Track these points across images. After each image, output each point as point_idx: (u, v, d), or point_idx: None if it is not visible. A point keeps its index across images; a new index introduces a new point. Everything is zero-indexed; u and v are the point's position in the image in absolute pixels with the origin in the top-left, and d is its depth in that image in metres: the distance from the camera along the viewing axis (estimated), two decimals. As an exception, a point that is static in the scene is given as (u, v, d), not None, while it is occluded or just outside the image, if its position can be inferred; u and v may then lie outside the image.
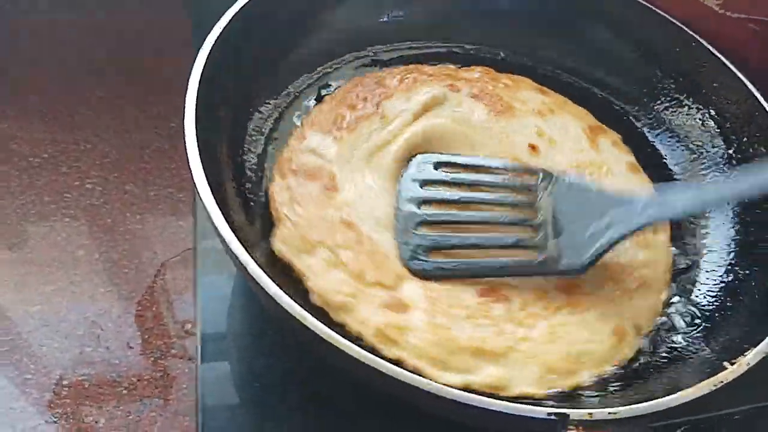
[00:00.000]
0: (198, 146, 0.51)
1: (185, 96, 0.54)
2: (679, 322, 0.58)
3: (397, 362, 0.48)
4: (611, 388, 0.52)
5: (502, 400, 0.46)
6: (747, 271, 0.60)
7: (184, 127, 0.52)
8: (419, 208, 0.58)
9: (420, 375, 0.46)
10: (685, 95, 0.73)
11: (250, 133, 0.64)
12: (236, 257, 0.46)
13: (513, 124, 0.67)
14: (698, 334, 0.56)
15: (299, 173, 0.59)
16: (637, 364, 0.54)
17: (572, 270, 0.54)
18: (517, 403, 0.43)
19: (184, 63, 0.57)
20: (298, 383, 0.57)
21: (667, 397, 0.44)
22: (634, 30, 0.77)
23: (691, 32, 0.73)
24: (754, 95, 0.67)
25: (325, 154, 0.61)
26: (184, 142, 0.51)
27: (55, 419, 0.71)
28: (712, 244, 0.63)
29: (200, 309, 0.60)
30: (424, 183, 0.60)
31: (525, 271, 0.55)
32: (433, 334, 0.51)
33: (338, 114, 0.64)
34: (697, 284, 0.61)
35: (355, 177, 0.60)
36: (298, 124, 0.66)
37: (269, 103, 0.67)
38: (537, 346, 0.52)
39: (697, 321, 0.57)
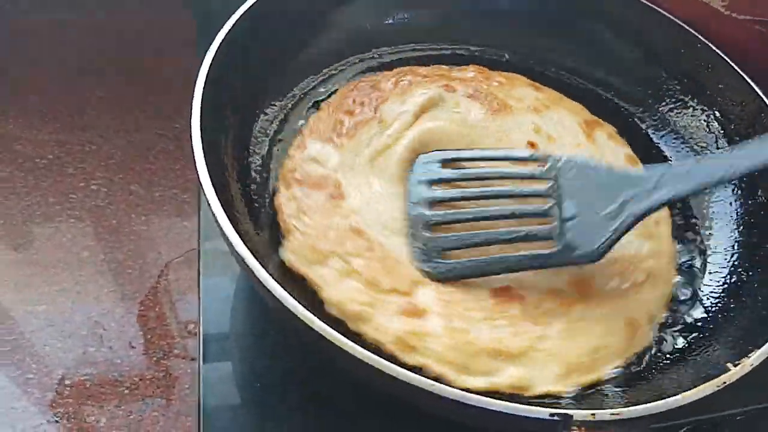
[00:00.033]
0: (203, 148, 0.51)
1: (188, 96, 0.54)
2: (682, 324, 0.58)
3: (419, 369, 0.49)
4: (620, 388, 0.52)
5: (526, 400, 0.48)
6: (750, 273, 0.60)
7: (188, 128, 0.52)
8: (428, 209, 0.58)
9: (442, 381, 0.47)
10: (689, 96, 0.73)
11: (256, 135, 0.64)
12: (240, 258, 0.46)
13: (510, 122, 0.67)
14: (701, 335, 0.56)
15: (304, 183, 0.59)
16: (641, 365, 0.54)
17: (589, 257, 0.53)
18: (532, 404, 0.42)
19: (185, 63, 0.57)
20: (300, 383, 0.56)
21: (670, 398, 0.43)
22: (639, 31, 0.77)
23: (696, 33, 0.72)
24: (759, 96, 0.66)
25: (327, 162, 0.61)
26: (189, 143, 0.51)
27: (56, 419, 0.71)
28: (716, 245, 0.63)
29: (203, 309, 0.60)
30: (432, 183, 0.60)
31: (541, 264, 0.54)
32: (451, 338, 0.51)
33: (337, 120, 0.64)
34: (700, 286, 0.61)
35: (360, 183, 0.60)
36: (302, 125, 0.66)
37: (274, 105, 0.67)
38: (556, 344, 0.52)
39: (700, 322, 0.57)
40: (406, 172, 0.62)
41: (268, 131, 0.65)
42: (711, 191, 0.66)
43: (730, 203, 0.65)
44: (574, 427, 0.41)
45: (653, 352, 0.55)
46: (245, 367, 0.58)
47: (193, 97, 0.54)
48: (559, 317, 0.54)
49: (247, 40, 0.63)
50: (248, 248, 0.47)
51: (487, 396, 0.44)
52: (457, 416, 0.44)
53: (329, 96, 0.69)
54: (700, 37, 0.72)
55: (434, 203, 0.58)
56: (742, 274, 0.60)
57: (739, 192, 0.65)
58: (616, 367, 0.53)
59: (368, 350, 0.43)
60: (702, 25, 0.73)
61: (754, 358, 0.47)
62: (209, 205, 0.48)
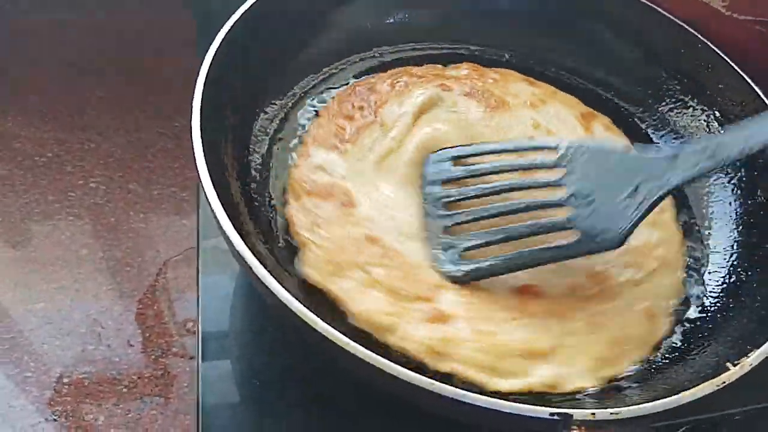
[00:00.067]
0: (203, 146, 0.51)
1: (188, 96, 0.54)
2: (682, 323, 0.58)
3: (450, 375, 0.49)
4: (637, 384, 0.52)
5: (559, 397, 0.49)
6: (749, 273, 0.60)
7: (188, 127, 0.52)
8: (444, 210, 0.58)
9: (474, 385, 0.48)
10: (690, 96, 0.73)
11: (256, 134, 0.64)
12: (240, 256, 0.46)
13: (509, 119, 0.68)
14: (700, 335, 0.56)
15: (313, 194, 0.58)
16: (661, 355, 0.55)
17: (610, 244, 0.52)
18: (534, 404, 0.42)
19: (185, 63, 0.57)
20: (299, 381, 0.56)
21: (670, 398, 0.43)
22: (639, 31, 0.77)
23: (696, 33, 0.73)
24: (759, 97, 0.66)
25: (334, 171, 0.60)
26: (189, 142, 0.51)
27: (55, 417, 0.71)
28: (715, 245, 0.63)
29: (202, 308, 0.60)
30: (445, 183, 0.59)
31: (563, 254, 0.53)
32: (480, 341, 0.51)
33: (337, 126, 0.64)
34: (700, 285, 0.61)
35: (369, 189, 0.60)
36: (303, 123, 0.66)
37: (275, 104, 0.67)
38: (581, 339, 0.52)
39: (699, 322, 0.57)
40: (414, 173, 0.61)
41: (268, 130, 0.65)
42: (711, 193, 0.66)
43: (730, 203, 0.65)
44: (575, 427, 0.41)
45: (672, 341, 0.56)
46: (244, 365, 0.58)
47: (192, 96, 0.54)
48: (581, 312, 0.54)
49: (247, 39, 0.63)
50: (247, 246, 0.46)
51: (520, 396, 0.46)
52: (458, 415, 0.44)
53: (323, 92, 0.69)
54: (700, 37, 0.72)
55: (450, 203, 0.58)
56: (742, 274, 0.60)
57: (739, 192, 0.65)
58: (638, 359, 0.53)
59: (396, 360, 0.43)
60: (702, 25, 0.73)
61: (754, 358, 0.47)
62: (209, 203, 0.48)
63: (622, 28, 0.78)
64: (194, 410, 0.56)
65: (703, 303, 0.59)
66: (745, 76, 0.68)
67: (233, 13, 0.62)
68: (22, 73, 0.99)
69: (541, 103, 0.71)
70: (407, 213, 0.58)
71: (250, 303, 0.61)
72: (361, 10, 0.76)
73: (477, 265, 0.54)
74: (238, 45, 0.61)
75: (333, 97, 0.69)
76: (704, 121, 0.71)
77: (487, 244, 0.55)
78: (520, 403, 0.42)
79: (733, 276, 0.60)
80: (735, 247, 0.62)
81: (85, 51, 1.02)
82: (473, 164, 0.60)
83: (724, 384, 0.45)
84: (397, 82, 0.69)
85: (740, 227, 0.63)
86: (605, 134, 0.69)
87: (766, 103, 0.66)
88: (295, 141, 0.64)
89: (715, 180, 0.67)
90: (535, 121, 0.68)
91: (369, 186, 0.60)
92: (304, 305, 0.44)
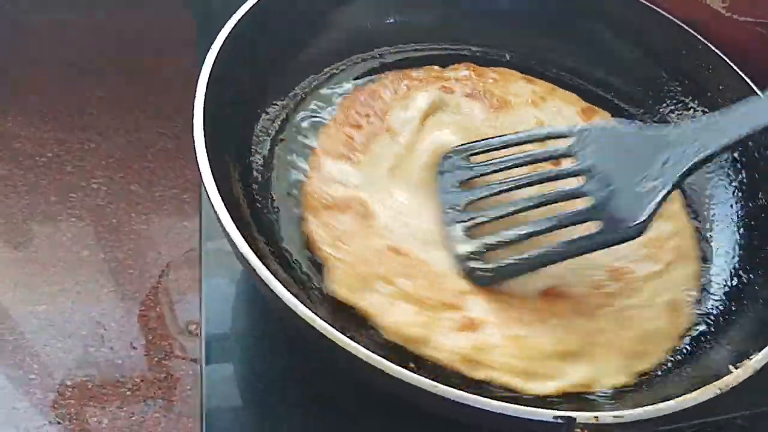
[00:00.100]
0: (206, 147, 0.51)
1: (188, 96, 0.54)
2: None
3: (487, 383, 0.49)
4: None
5: (593, 396, 0.49)
6: (751, 276, 0.60)
7: (188, 128, 0.52)
8: (464, 213, 0.57)
9: (512, 391, 0.48)
10: (690, 98, 0.73)
11: (257, 134, 0.64)
12: (243, 257, 0.46)
13: (513, 119, 0.68)
14: (703, 338, 0.56)
15: (331, 207, 0.58)
16: (688, 345, 0.56)
17: (634, 232, 0.50)
18: (527, 405, 0.42)
19: (185, 63, 0.57)
20: (302, 384, 0.56)
21: (673, 401, 0.43)
22: (640, 32, 0.77)
23: (697, 35, 0.73)
24: (760, 97, 0.66)
25: (348, 181, 0.60)
26: (189, 143, 0.51)
27: (58, 420, 0.71)
28: (717, 248, 0.63)
29: (205, 311, 0.60)
30: (461, 184, 0.59)
31: (587, 247, 0.52)
32: (513, 346, 0.51)
33: (346, 136, 0.64)
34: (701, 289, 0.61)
35: (385, 198, 0.59)
36: (304, 125, 0.66)
37: (276, 104, 0.67)
38: (610, 336, 0.53)
39: (702, 326, 0.57)
40: (428, 177, 0.61)
41: (269, 131, 0.65)
42: (712, 196, 0.67)
43: (731, 205, 0.66)
44: (577, 430, 0.41)
45: (698, 330, 0.57)
46: (248, 368, 0.58)
47: (193, 96, 0.54)
48: (607, 309, 0.54)
49: (248, 39, 0.63)
50: (251, 248, 0.47)
51: (557, 398, 0.47)
52: (461, 418, 0.44)
53: (324, 93, 0.69)
54: (700, 38, 0.72)
55: (468, 206, 0.57)
56: (743, 277, 0.60)
57: (740, 194, 0.66)
58: (667, 350, 0.54)
59: (430, 371, 0.44)
60: (703, 26, 0.73)
61: (756, 361, 0.47)
62: (212, 204, 0.48)
63: (622, 28, 0.78)
64: (198, 413, 0.56)
65: (705, 306, 0.59)
66: (746, 78, 0.68)
67: (233, 12, 0.62)
68: (22, 73, 0.99)
69: (541, 100, 0.71)
70: (425, 220, 0.58)
71: (253, 305, 0.62)
72: (361, 11, 0.76)
73: (501, 265, 0.54)
74: (240, 45, 0.61)
75: (338, 106, 0.68)
76: (705, 122, 0.71)
77: (509, 243, 0.54)
78: (556, 406, 0.43)
79: (735, 279, 0.60)
80: (737, 250, 0.62)
81: (85, 51, 1.02)
82: (487, 161, 0.60)
83: (728, 387, 0.45)
84: (399, 86, 0.69)
85: (742, 230, 0.63)
86: None
87: (766, 105, 0.66)
88: (297, 144, 0.64)
89: (716, 183, 0.67)
90: (538, 119, 0.68)
91: (384, 194, 0.60)
92: (331, 324, 0.44)
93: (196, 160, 0.50)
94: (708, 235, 0.65)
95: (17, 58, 1.00)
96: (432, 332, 0.51)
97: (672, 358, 0.54)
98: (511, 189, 0.57)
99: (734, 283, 0.60)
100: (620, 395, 0.51)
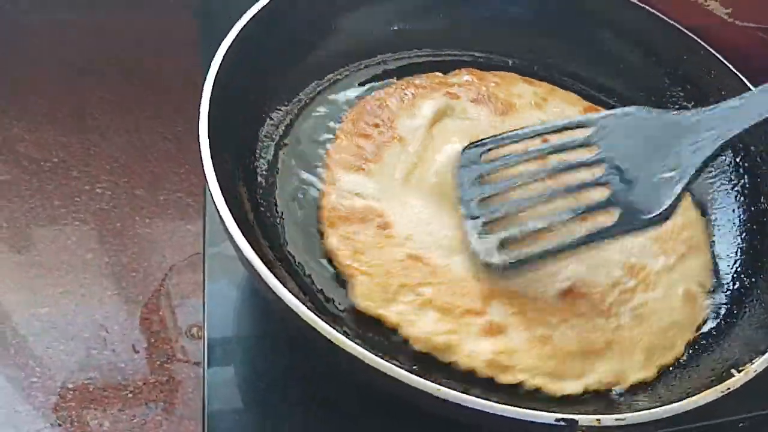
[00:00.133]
0: (211, 152, 0.51)
1: (189, 98, 0.55)
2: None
3: (517, 386, 0.50)
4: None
5: (618, 393, 0.51)
6: (753, 279, 0.60)
7: (190, 131, 0.53)
8: (482, 207, 0.57)
9: (541, 392, 0.50)
10: (693, 103, 0.73)
11: (261, 139, 0.64)
12: (247, 261, 0.46)
13: (518, 121, 0.68)
14: (705, 341, 0.56)
15: (349, 220, 0.58)
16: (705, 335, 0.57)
17: (656, 220, 0.50)
18: (528, 409, 0.42)
19: (185, 63, 0.57)
20: (304, 386, 0.57)
21: (675, 404, 0.44)
22: (642, 38, 0.77)
23: (699, 40, 0.73)
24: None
25: (364, 193, 0.60)
26: (191, 146, 0.52)
27: (60, 422, 0.70)
28: (719, 252, 0.64)
29: (208, 314, 0.61)
30: (480, 178, 0.59)
31: (607, 235, 0.52)
32: (539, 348, 0.52)
33: (357, 147, 0.64)
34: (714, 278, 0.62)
35: (401, 207, 0.60)
36: (307, 125, 0.66)
37: (280, 110, 0.67)
38: (631, 333, 0.54)
39: (704, 329, 0.57)
40: (443, 182, 0.61)
41: (273, 136, 0.65)
42: (715, 200, 0.67)
43: (733, 210, 0.66)
44: (580, 432, 0.41)
45: (714, 320, 0.58)
46: (249, 371, 0.58)
47: (194, 97, 0.54)
48: (625, 305, 0.56)
49: (253, 44, 0.63)
50: (255, 251, 0.47)
51: (584, 396, 0.49)
52: (462, 420, 0.44)
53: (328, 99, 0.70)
54: (702, 43, 0.73)
55: (486, 198, 0.57)
56: (746, 281, 0.60)
57: (742, 199, 0.66)
58: (686, 341, 0.55)
59: (461, 378, 0.46)
60: (705, 31, 0.73)
61: (758, 364, 0.47)
62: (216, 208, 0.49)
63: (624, 34, 0.79)
64: (199, 416, 0.56)
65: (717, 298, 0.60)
66: (748, 83, 0.68)
67: (235, 14, 0.63)
68: (23, 74, 0.99)
69: (543, 101, 0.72)
70: (443, 226, 0.58)
71: (255, 308, 0.62)
72: (365, 17, 0.76)
73: (520, 257, 0.54)
74: (245, 50, 0.61)
75: (345, 116, 0.68)
76: (707, 127, 0.71)
77: (529, 234, 0.54)
78: (581, 405, 0.45)
79: (737, 283, 0.60)
80: (739, 254, 0.63)
81: (85, 51, 1.01)
82: (505, 154, 0.60)
83: (729, 390, 0.45)
84: (404, 94, 0.69)
85: (744, 234, 0.64)
86: None
87: None
88: (301, 147, 0.65)
89: (718, 187, 0.67)
90: (542, 121, 0.69)
91: (400, 203, 0.60)
92: (354, 339, 0.44)
93: (201, 165, 0.51)
94: (710, 239, 0.65)
95: (17, 59, 1.00)
96: (459, 339, 0.52)
97: (689, 351, 0.56)
98: (529, 182, 0.57)
99: (736, 286, 0.60)
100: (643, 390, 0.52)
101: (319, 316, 0.44)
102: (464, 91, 0.71)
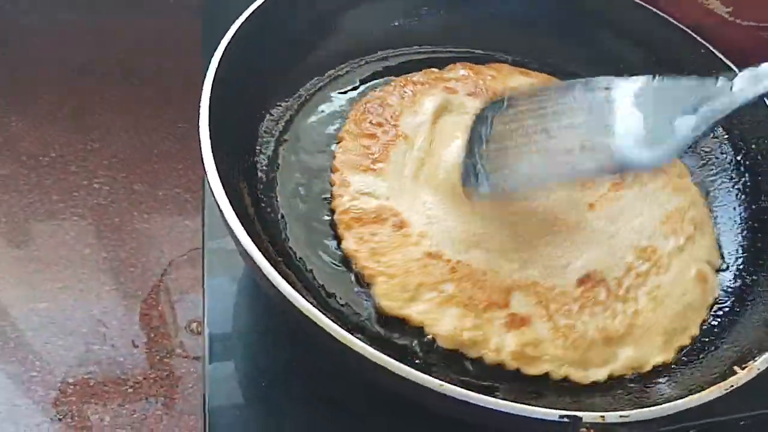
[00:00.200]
0: (211, 147, 0.51)
1: (191, 96, 0.55)
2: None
3: (544, 376, 0.51)
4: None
5: (642, 377, 0.52)
6: (755, 277, 0.60)
7: (192, 128, 0.52)
8: (484, 143, 0.57)
9: (568, 381, 0.50)
10: (694, 102, 0.73)
11: (261, 135, 0.64)
12: (248, 255, 0.46)
13: None
14: (707, 339, 0.56)
15: (364, 221, 0.58)
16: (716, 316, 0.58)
17: (651, 162, 0.51)
18: (531, 405, 0.42)
19: (188, 63, 0.57)
20: (305, 381, 0.57)
21: (678, 401, 0.44)
22: (644, 36, 0.77)
23: (700, 39, 0.73)
24: (763, 102, 0.66)
25: (375, 192, 0.60)
26: (192, 143, 0.51)
27: (59, 417, 0.70)
28: (721, 250, 0.64)
29: (208, 309, 0.60)
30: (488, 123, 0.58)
31: (596, 170, 0.53)
32: (562, 338, 0.52)
33: (363, 147, 0.64)
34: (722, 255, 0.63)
35: (414, 204, 0.59)
36: (307, 122, 0.66)
37: (280, 106, 0.67)
38: (649, 316, 0.55)
39: (706, 326, 0.57)
40: (452, 177, 0.60)
41: (273, 132, 0.65)
42: (716, 198, 0.67)
43: (734, 208, 0.66)
44: (583, 429, 0.41)
45: (724, 294, 0.59)
46: (250, 366, 0.58)
47: (195, 97, 0.54)
48: (641, 289, 0.57)
49: (253, 40, 0.63)
50: (255, 245, 0.47)
51: (607, 383, 0.50)
52: (467, 417, 0.44)
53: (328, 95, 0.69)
54: (704, 42, 0.73)
55: (488, 142, 0.57)
56: (747, 278, 0.60)
57: (743, 197, 0.66)
58: (700, 321, 0.57)
59: (487, 373, 0.46)
60: (706, 30, 0.73)
61: (761, 362, 0.47)
62: (217, 203, 0.48)
63: (625, 33, 0.78)
64: (200, 411, 0.56)
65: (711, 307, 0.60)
66: (749, 82, 0.68)
67: (238, 12, 0.63)
68: (23, 73, 0.99)
69: None
70: (457, 221, 0.58)
71: (255, 303, 0.62)
72: (366, 14, 0.76)
73: (507, 178, 0.54)
74: (245, 46, 0.61)
75: (348, 116, 0.68)
76: (709, 126, 0.71)
77: (522, 155, 0.54)
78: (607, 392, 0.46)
79: (739, 280, 0.60)
80: (741, 252, 0.63)
81: (88, 51, 1.02)
82: (525, 106, 0.58)
83: (732, 388, 0.45)
84: (404, 92, 0.69)
85: (745, 232, 0.64)
86: None
87: (769, 109, 0.66)
88: (301, 144, 0.64)
89: (719, 185, 0.67)
90: None
91: (413, 200, 0.60)
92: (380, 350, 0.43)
93: (202, 160, 0.50)
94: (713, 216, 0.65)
95: (20, 59, 1.00)
96: (484, 333, 0.52)
97: (704, 330, 0.57)
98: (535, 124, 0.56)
99: (738, 284, 0.60)
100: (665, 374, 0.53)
101: (320, 311, 0.44)
102: (461, 86, 0.71)
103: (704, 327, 0.57)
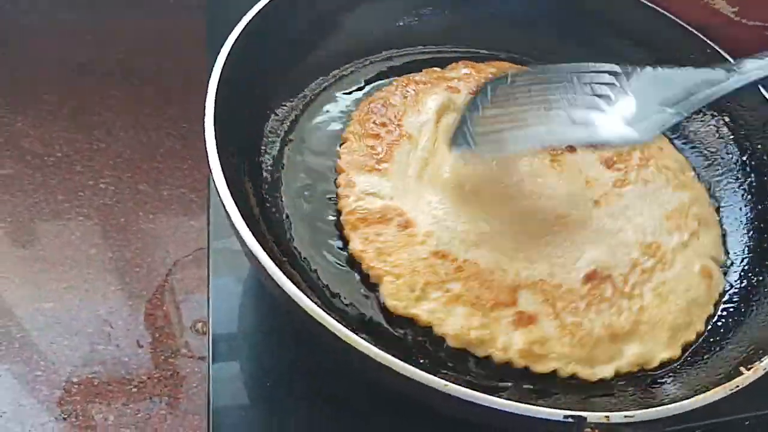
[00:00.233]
0: (216, 147, 0.51)
1: (194, 96, 0.55)
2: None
3: (552, 374, 0.51)
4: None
5: (648, 374, 0.52)
6: (761, 278, 0.60)
7: (195, 128, 0.53)
8: (482, 103, 0.57)
9: (576, 379, 0.50)
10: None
11: (266, 135, 0.64)
12: (253, 255, 0.46)
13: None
14: (713, 339, 0.56)
15: (369, 222, 0.58)
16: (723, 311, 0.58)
17: (635, 136, 0.52)
18: (533, 406, 0.42)
19: (190, 62, 0.57)
20: (310, 381, 0.57)
21: (683, 402, 0.44)
22: (648, 36, 0.77)
23: (706, 39, 0.73)
24: (768, 102, 0.67)
25: (381, 193, 0.60)
26: (196, 143, 0.52)
27: (64, 416, 0.71)
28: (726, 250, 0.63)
29: (213, 309, 0.60)
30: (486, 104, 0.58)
31: (591, 137, 0.53)
32: (570, 335, 0.53)
33: (367, 148, 0.64)
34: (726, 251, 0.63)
35: (419, 203, 0.60)
36: (312, 122, 0.66)
37: (285, 105, 0.67)
38: (654, 312, 0.55)
39: (711, 326, 0.57)
40: (456, 174, 0.61)
41: (278, 131, 0.65)
42: (721, 198, 0.67)
43: (740, 208, 0.66)
44: (588, 429, 0.41)
45: (729, 294, 0.59)
46: (255, 366, 0.58)
47: (200, 96, 0.54)
48: (646, 286, 0.57)
49: (258, 40, 0.63)
50: (260, 245, 0.47)
51: (614, 379, 0.50)
52: (471, 417, 0.44)
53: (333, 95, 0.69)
54: (710, 42, 0.72)
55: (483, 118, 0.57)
56: (753, 279, 0.60)
57: (749, 197, 0.66)
58: (706, 317, 0.57)
59: (494, 371, 0.46)
60: (712, 30, 0.73)
61: (767, 363, 0.47)
62: (222, 203, 0.48)
63: (625, 33, 0.78)
64: (204, 411, 0.56)
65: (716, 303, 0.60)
66: (755, 82, 0.68)
67: (241, 11, 0.63)
68: (24, 73, 0.99)
69: None
70: (462, 219, 0.58)
71: (260, 303, 0.62)
72: (370, 14, 0.76)
73: (497, 138, 0.54)
74: (250, 46, 0.61)
75: (352, 117, 0.68)
76: (713, 126, 0.71)
77: (503, 119, 0.55)
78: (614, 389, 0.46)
79: (745, 281, 0.60)
80: (746, 252, 0.62)
81: (88, 51, 1.02)
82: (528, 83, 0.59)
83: (738, 388, 0.45)
84: (406, 92, 0.69)
85: (751, 232, 0.64)
86: None
87: (776, 109, 0.66)
88: (306, 145, 0.64)
89: (725, 186, 0.67)
90: None
91: (417, 200, 0.60)
92: (386, 350, 0.43)
93: (207, 159, 0.50)
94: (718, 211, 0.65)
95: (23, 58, 1.00)
96: (491, 331, 0.52)
97: (709, 327, 0.57)
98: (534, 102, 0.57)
99: (744, 284, 0.60)
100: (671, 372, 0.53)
101: (325, 311, 0.44)
102: (463, 84, 0.71)
103: (710, 327, 0.57)
